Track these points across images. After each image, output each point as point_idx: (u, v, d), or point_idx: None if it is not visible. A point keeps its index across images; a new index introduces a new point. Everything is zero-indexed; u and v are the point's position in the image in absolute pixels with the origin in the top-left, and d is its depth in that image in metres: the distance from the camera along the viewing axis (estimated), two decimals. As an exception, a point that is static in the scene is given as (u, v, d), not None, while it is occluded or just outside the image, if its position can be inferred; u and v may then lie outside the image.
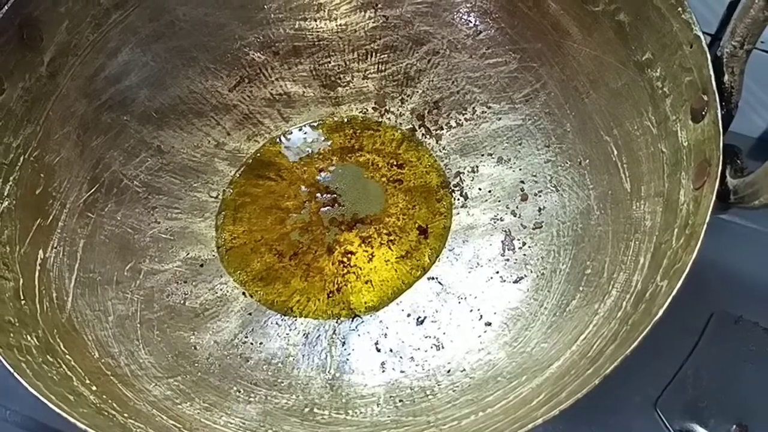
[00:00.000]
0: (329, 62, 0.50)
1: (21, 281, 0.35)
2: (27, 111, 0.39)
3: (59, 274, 0.38)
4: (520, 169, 0.46)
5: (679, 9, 0.37)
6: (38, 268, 0.37)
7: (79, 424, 0.27)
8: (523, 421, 0.28)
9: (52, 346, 0.33)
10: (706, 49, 0.35)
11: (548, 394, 0.32)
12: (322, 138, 0.49)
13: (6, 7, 0.38)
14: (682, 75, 0.37)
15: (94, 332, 0.37)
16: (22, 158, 0.39)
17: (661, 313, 0.29)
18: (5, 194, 0.37)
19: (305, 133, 0.49)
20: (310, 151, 0.48)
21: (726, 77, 0.34)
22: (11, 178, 0.38)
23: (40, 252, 0.38)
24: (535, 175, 0.45)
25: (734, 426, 0.43)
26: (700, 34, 0.35)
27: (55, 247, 0.39)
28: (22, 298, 0.34)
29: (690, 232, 0.32)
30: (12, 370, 0.28)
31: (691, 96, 0.36)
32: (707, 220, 0.31)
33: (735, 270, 0.49)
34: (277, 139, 0.49)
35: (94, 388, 0.33)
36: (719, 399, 0.44)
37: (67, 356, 0.34)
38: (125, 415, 0.32)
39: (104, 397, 0.33)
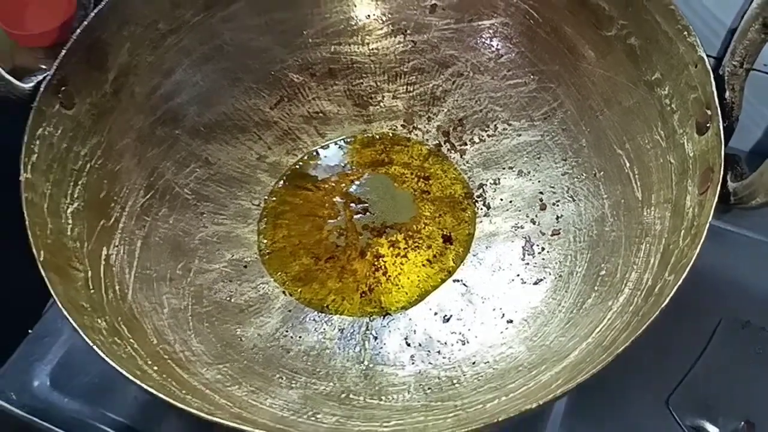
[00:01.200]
0: (362, 83, 0.54)
1: (90, 273, 0.39)
2: (93, 123, 0.44)
3: (120, 269, 0.42)
4: (539, 181, 0.49)
5: (685, 33, 0.40)
6: (103, 262, 0.41)
7: (151, 390, 0.30)
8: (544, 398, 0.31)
9: (118, 331, 0.37)
10: (710, 68, 0.39)
11: (566, 379, 0.36)
12: (355, 152, 0.53)
13: (78, 31, 0.43)
14: (688, 92, 0.40)
15: (152, 321, 0.41)
16: (88, 165, 0.43)
17: (667, 301, 0.32)
18: (75, 196, 0.41)
19: (339, 147, 0.53)
20: (343, 164, 0.52)
21: (727, 93, 0.38)
22: (80, 183, 0.42)
23: (104, 249, 0.42)
24: (553, 187, 0.49)
25: (742, 423, 0.46)
26: (704, 55, 0.39)
27: (117, 246, 0.43)
28: (91, 287, 0.38)
29: (695, 232, 0.36)
30: (90, 343, 0.32)
31: (696, 111, 0.40)
32: (710, 220, 0.34)
33: (743, 279, 0.52)
34: (314, 153, 0.53)
35: (155, 368, 0.36)
36: (728, 398, 0.47)
37: (131, 340, 0.37)
38: (183, 391, 0.36)
39: (164, 376, 0.36)
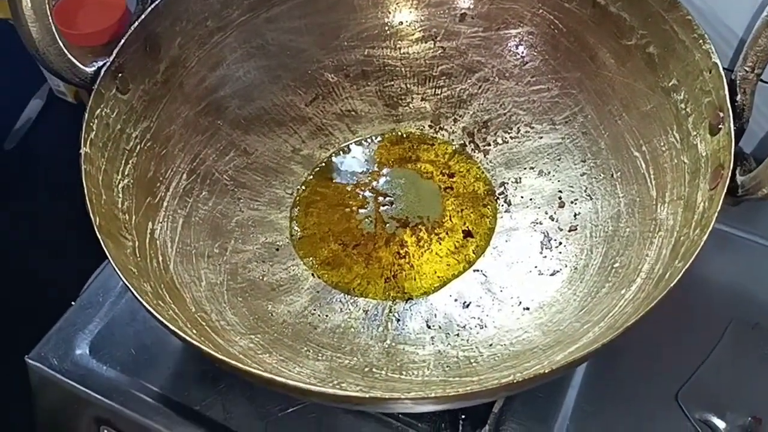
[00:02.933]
0: (393, 85, 0.57)
1: (136, 243, 0.42)
2: (144, 109, 0.47)
3: (163, 243, 0.45)
4: (558, 181, 0.52)
5: (701, 41, 0.43)
6: (148, 235, 0.44)
7: (195, 342, 0.33)
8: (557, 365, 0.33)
9: (161, 296, 0.40)
10: (723, 73, 0.41)
11: (579, 357, 0.38)
12: (384, 149, 0.56)
13: (136, 23, 0.46)
14: (702, 97, 0.43)
15: (190, 292, 0.44)
16: (138, 147, 0.46)
17: (675, 282, 0.34)
18: (126, 173, 0.44)
19: (369, 144, 0.56)
20: (373, 160, 0.55)
21: (739, 97, 0.40)
22: (130, 162, 0.45)
23: (150, 223, 0.45)
24: (571, 186, 0.51)
25: (749, 419, 0.47)
26: (718, 61, 0.42)
27: (161, 222, 0.46)
28: (137, 255, 0.41)
29: (705, 222, 0.38)
30: (139, 298, 0.34)
31: (709, 114, 0.42)
32: (719, 209, 0.36)
33: (754, 283, 0.53)
34: (345, 148, 0.56)
35: (194, 332, 0.39)
36: (736, 394, 0.48)
37: (172, 305, 0.40)
38: (219, 353, 0.38)
39: (202, 339, 0.39)
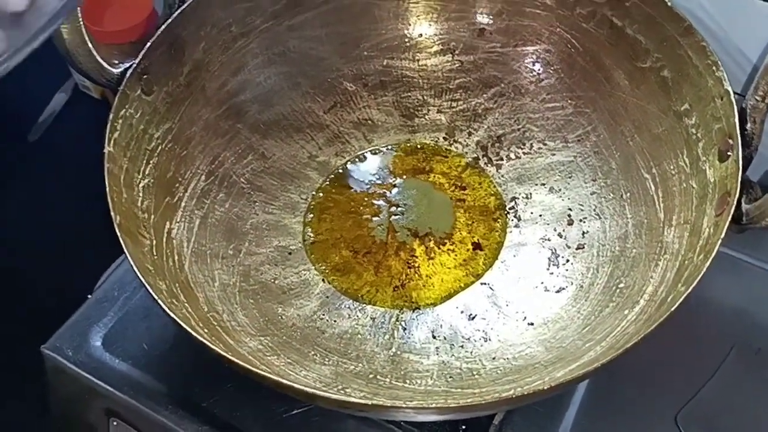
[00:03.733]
0: (410, 96, 0.58)
1: (154, 242, 0.43)
2: (167, 110, 0.49)
3: (180, 243, 0.46)
4: (568, 198, 0.53)
5: (714, 68, 0.44)
6: (165, 235, 0.45)
7: (207, 342, 0.34)
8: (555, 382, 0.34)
9: (175, 294, 0.41)
10: (734, 101, 0.42)
11: (578, 376, 0.39)
12: (398, 159, 0.57)
13: (163, 27, 0.48)
14: (713, 123, 0.44)
15: (203, 292, 0.45)
16: (159, 147, 0.48)
17: (676, 306, 0.35)
18: (147, 173, 0.46)
19: (384, 153, 0.57)
20: (387, 169, 0.56)
21: (749, 125, 0.41)
22: (151, 162, 0.47)
23: (168, 223, 0.46)
24: (581, 204, 0.52)
25: (748, 442, 0.48)
26: (730, 89, 0.42)
27: (178, 222, 0.47)
28: (154, 254, 0.43)
29: (708, 248, 0.39)
30: (155, 296, 0.36)
31: (719, 140, 0.43)
32: (722, 236, 0.37)
33: (758, 308, 0.54)
34: (361, 156, 0.57)
35: (206, 331, 0.40)
36: (736, 418, 0.49)
37: (186, 304, 0.42)
38: (229, 353, 0.39)
39: (213, 338, 0.40)
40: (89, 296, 0.54)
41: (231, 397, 0.49)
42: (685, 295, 0.36)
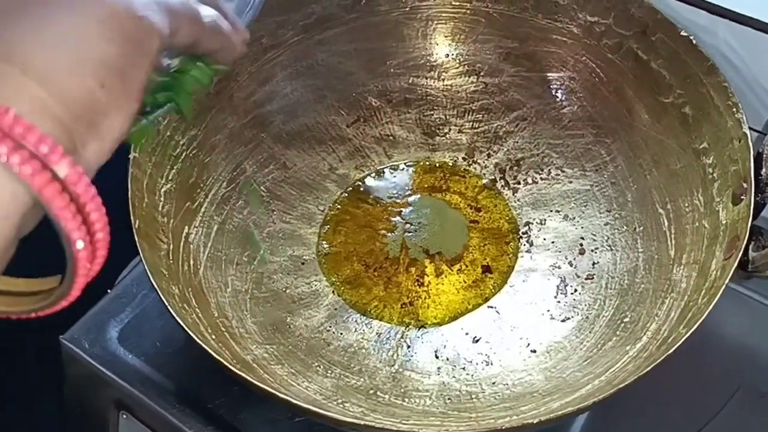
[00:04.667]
0: (432, 115, 0.59)
1: (171, 246, 0.45)
2: (194, 118, 0.50)
3: (197, 248, 0.48)
4: (582, 227, 0.53)
5: (734, 109, 0.44)
6: (183, 239, 0.47)
7: (206, 347, 0.35)
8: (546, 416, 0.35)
9: (187, 299, 0.43)
10: (751, 145, 0.42)
11: (574, 408, 0.39)
12: (416, 176, 0.58)
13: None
14: (729, 164, 0.44)
15: (215, 297, 0.46)
16: (184, 154, 0.49)
17: (674, 349, 0.35)
18: (169, 178, 0.47)
19: (403, 170, 0.58)
20: (405, 185, 0.57)
21: (764, 171, 0.41)
22: (175, 167, 0.48)
23: (186, 228, 0.48)
24: (594, 234, 0.52)
25: (746, 487, 0.47)
26: (748, 132, 0.42)
27: (196, 227, 0.49)
28: (170, 258, 0.44)
29: (713, 292, 0.39)
30: (165, 302, 0.37)
31: (734, 183, 0.43)
32: (727, 282, 0.37)
33: (765, 349, 0.53)
34: (380, 171, 0.58)
35: (213, 337, 0.42)
36: (736, 460, 0.48)
37: (197, 309, 0.43)
38: (235, 362, 0.41)
39: (220, 345, 0.42)
40: (109, 291, 0.56)
41: (237, 400, 0.50)
42: (685, 337, 0.36)
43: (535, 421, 0.34)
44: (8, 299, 0.25)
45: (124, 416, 0.51)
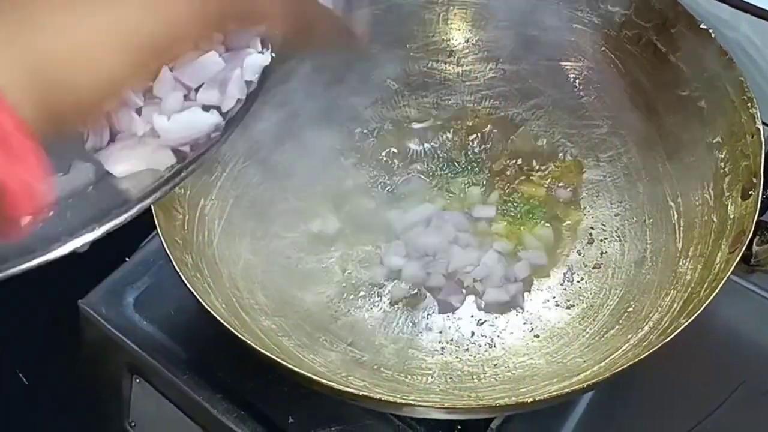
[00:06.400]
0: (449, 99, 0.60)
1: (186, 217, 0.46)
2: (214, 94, 0.51)
3: (211, 219, 0.49)
4: (592, 217, 0.53)
5: (749, 104, 0.44)
6: (199, 211, 0.48)
7: (213, 312, 0.37)
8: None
9: (200, 268, 0.44)
10: (763, 141, 0.42)
11: (571, 392, 0.40)
12: (431, 160, 0.58)
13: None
14: (741, 160, 0.44)
15: (228, 269, 0.48)
16: (203, 128, 0.50)
17: (672, 337, 0.36)
18: (188, 152, 0.49)
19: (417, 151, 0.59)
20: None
21: (774, 166, 0.41)
22: (193, 141, 0.49)
23: (202, 200, 0.49)
24: (604, 224, 0.53)
25: (743, 481, 0.48)
26: (761, 127, 0.42)
27: (212, 199, 0.50)
28: (185, 228, 0.46)
29: (715, 284, 0.39)
30: (177, 270, 0.38)
31: (744, 178, 0.43)
32: (729, 274, 0.37)
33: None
34: (394, 152, 0.58)
35: (224, 306, 0.43)
36: (734, 452, 0.49)
37: (209, 279, 0.44)
38: (244, 332, 0.42)
39: (230, 314, 0.43)
40: (127, 258, 0.57)
41: (245, 370, 0.51)
42: (683, 327, 0.36)
43: (529, 401, 0.35)
44: None
45: (137, 380, 0.53)
